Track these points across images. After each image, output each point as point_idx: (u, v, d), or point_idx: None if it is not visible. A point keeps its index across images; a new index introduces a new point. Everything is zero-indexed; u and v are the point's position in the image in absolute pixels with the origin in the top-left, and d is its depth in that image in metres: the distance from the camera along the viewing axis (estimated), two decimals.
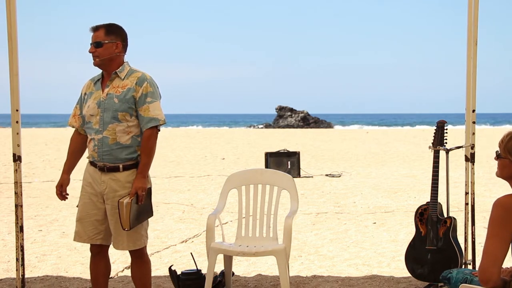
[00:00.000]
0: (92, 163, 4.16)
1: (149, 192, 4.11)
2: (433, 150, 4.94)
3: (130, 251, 4.21)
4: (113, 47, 4.09)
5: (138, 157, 4.10)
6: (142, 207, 4.05)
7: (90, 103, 4.12)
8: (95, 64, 4.12)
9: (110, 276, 5.49)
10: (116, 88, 4.08)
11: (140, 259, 4.22)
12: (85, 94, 4.22)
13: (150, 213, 4.17)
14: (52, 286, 5.32)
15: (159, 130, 4.14)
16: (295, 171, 13.62)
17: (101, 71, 4.18)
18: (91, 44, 4.09)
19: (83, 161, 4.30)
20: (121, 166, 4.05)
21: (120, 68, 4.12)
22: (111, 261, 5.93)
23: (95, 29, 4.10)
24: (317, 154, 20.09)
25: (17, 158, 4.87)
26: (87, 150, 4.24)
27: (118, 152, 4.05)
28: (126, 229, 3.96)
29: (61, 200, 4.31)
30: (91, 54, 4.10)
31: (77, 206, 4.27)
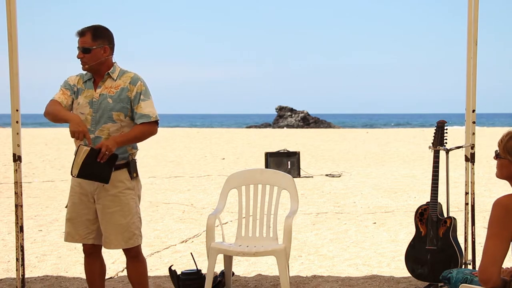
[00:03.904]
0: None
1: (113, 159, 3.97)
2: (433, 150, 4.94)
3: (124, 251, 4.19)
4: (101, 52, 4.08)
5: (129, 157, 4.11)
6: (99, 167, 3.91)
7: (81, 101, 4.11)
8: (85, 70, 4.12)
9: (110, 276, 5.51)
10: (109, 88, 4.09)
11: (135, 258, 4.21)
12: (74, 85, 4.16)
13: (104, 178, 3.98)
14: (52, 286, 5.32)
15: (156, 130, 4.14)
16: (295, 171, 13.62)
17: None
18: (78, 49, 4.08)
19: (70, 161, 4.26)
20: None
21: (112, 69, 4.13)
22: (111, 261, 5.95)
23: (81, 34, 4.08)
24: (317, 154, 20.08)
25: (17, 158, 4.87)
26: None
27: None
28: (73, 175, 3.91)
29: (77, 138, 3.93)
30: (79, 59, 4.09)
31: (65, 207, 4.26)
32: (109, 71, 4.12)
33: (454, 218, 4.88)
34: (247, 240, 5.02)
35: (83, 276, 5.56)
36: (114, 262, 6.06)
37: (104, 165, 3.94)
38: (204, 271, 4.94)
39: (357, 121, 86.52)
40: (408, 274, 5.08)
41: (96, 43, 4.06)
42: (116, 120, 4.06)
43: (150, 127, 4.09)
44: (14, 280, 5.21)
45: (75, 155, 3.90)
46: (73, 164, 3.90)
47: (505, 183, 3.11)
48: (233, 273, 5.19)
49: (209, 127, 53.21)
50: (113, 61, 4.18)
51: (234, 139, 28.39)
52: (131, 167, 4.11)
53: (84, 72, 4.20)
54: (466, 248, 5.08)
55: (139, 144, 4.23)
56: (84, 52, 4.05)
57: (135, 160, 4.16)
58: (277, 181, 5.08)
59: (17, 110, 4.84)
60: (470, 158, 5.03)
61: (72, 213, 4.18)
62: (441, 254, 4.82)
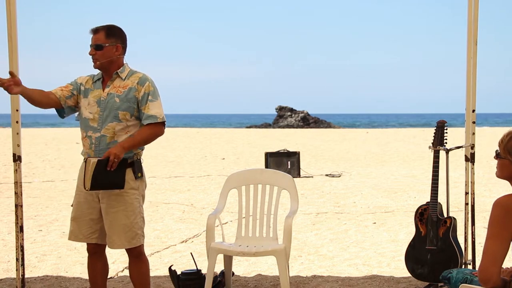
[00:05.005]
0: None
1: (123, 164, 4.00)
2: (433, 150, 4.94)
3: (127, 251, 4.20)
4: (113, 50, 4.10)
5: (133, 156, 4.11)
6: (111, 175, 3.94)
7: (90, 100, 4.13)
8: (96, 67, 4.14)
9: (110, 276, 5.51)
10: (117, 88, 4.11)
11: (137, 258, 4.22)
12: (81, 84, 4.19)
13: (119, 184, 4.01)
14: (52, 286, 5.32)
15: (163, 131, 4.16)
16: (295, 171, 13.62)
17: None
18: (91, 46, 4.10)
19: (78, 160, 4.28)
20: None
21: (121, 69, 4.15)
22: (111, 261, 5.95)
23: (95, 31, 4.11)
24: (317, 154, 20.09)
25: (17, 158, 4.87)
26: (82, 147, 4.20)
27: None
28: (86, 189, 3.93)
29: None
30: (91, 56, 4.11)
31: (71, 206, 4.27)
32: (118, 71, 4.13)
33: (454, 218, 4.88)
34: (247, 240, 5.02)
35: (83, 276, 5.57)
36: (114, 262, 6.06)
37: (116, 172, 3.97)
38: (204, 271, 4.94)
39: (357, 121, 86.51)
40: (408, 274, 5.08)
41: (109, 41, 4.08)
42: (122, 119, 4.07)
43: (156, 129, 4.11)
44: (14, 280, 5.21)
45: (85, 169, 3.93)
46: (84, 178, 3.93)
47: (505, 183, 3.11)
48: (233, 273, 5.19)
49: (209, 127, 53.20)
50: (124, 61, 4.20)
51: (234, 139, 28.40)
52: (135, 167, 4.11)
53: (96, 73, 4.23)
54: (466, 248, 5.08)
55: None
56: (96, 49, 4.08)
57: (140, 160, 4.17)
58: (277, 181, 5.08)
59: (17, 110, 4.84)
60: (470, 158, 5.03)
61: (77, 212, 4.18)
62: (441, 254, 4.82)
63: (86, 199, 4.15)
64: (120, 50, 4.14)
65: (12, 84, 3.94)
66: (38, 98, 4.10)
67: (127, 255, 4.31)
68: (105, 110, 4.08)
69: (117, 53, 4.12)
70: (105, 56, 4.08)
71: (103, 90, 4.13)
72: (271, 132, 37.90)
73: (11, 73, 3.98)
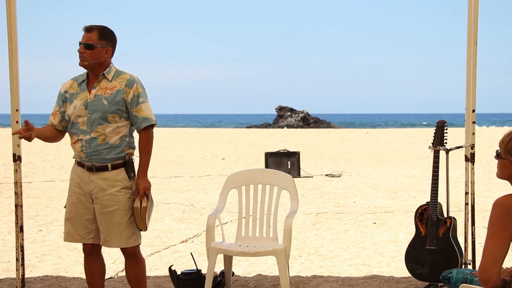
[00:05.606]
0: (79, 163, 4.15)
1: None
2: (433, 150, 4.94)
3: (122, 251, 4.20)
4: (103, 52, 4.09)
5: (125, 156, 4.13)
6: (147, 201, 4.16)
7: (77, 103, 4.11)
8: (81, 65, 4.11)
9: (110, 276, 5.52)
10: (104, 89, 4.09)
11: (133, 258, 4.22)
12: (65, 92, 4.19)
13: (152, 203, 4.24)
14: (52, 286, 5.32)
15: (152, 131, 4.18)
16: (295, 171, 13.61)
17: (85, 71, 4.18)
18: (81, 43, 4.08)
19: (70, 161, 4.29)
20: (109, 165, 4.07)
21: (107, 69, 4.13)
22: (111, 261, 5.96)
23: (88, 29, 4.09)
24: (317, 154, 20.09)
25: (17, 158, 4.87)
26: (73, 150, 4.19)
27: (106, 152, 4.07)
28: (144, 230, 4.11)
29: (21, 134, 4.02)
30: (79, 53, 4.08)
31: (64, 207, 4.28)
32: (104, 72, 4.12)
33: (454, 218, 4.88)
34: (247, 240, 5.02)
35: (83, 276, 5.56)
36: (114, 262, 6.06)
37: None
38: (204, 271, 4.94)
39: (357, 121, 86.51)
40: (408, 274, 5.08)
41: (101, 42, 4.07)
42: (111, 121, 4.06)
43: (150, 133, 4.15)
44: (14, 280, 5.21)
45: (134, 215, 4.08)
46: (136, 223, 4.09)
47: (505, 183, 3.11)
48: (233, 273, 5.19)
49: (209, 127, 53.18)
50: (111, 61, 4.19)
51: (234, 139, 28.39)
52: (128, 166, 4.12)
53: (77, 74, 4.22)
54: (466, 248, 5.08)
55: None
56: (86, 47, 4.06)
57: (132, 160, 4.18)
58: (277, 181, 5.08)
59: (17, 110, 4.84)
60: (470, 158, 5.03)
61: (72, 213, 4.18)
62: (441, 254, 4.82)
63: (79, 200, 4.15)
64: (110, 53, 4.13)
65: (31, 133, 4.04)
66: (50, 135, 4.25)
67: None
68: (94, 113, 4.06)
69: (106, 56, 4.11)
70: (94, 57, 4.07)
71: (90, 92, 4.11)
72: (271, 132, 37.90)
73: (26, 122, 4.06)
